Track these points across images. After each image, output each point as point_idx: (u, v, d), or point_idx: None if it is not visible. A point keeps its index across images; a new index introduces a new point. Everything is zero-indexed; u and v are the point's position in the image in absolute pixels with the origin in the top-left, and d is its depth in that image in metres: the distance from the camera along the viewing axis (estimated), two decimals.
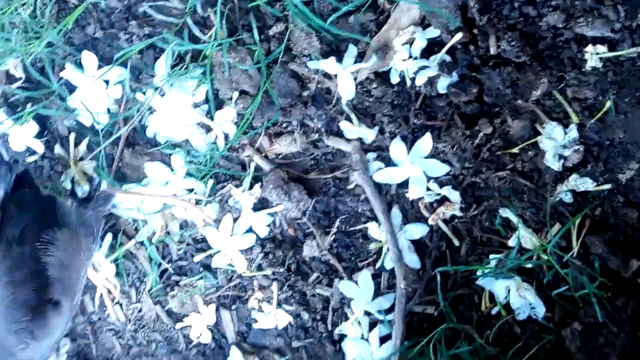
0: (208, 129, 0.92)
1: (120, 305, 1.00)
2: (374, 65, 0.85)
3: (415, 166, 0.83)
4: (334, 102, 0.88)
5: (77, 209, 0.85)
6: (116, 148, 0.95)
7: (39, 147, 0.96)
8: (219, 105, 0.92)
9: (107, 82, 0.93)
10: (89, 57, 0.93)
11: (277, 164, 0.91)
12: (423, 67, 0.83)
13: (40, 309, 0.78)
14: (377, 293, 0.88)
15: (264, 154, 0.91)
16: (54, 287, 0.79)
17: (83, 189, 0.98)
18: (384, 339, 0.87)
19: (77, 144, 0.98)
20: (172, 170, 0.93)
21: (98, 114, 0.94)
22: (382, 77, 0.87)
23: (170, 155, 0.93)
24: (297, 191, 0.88)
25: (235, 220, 0.93)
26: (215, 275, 0.95)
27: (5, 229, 0.78)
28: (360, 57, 0.86)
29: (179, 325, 0.97)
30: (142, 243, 0.97)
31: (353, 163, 0.85)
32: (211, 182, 0.92)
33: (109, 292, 1.00)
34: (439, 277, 0.83)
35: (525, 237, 0.81)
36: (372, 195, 0.83)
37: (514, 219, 0.82)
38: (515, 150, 0.82)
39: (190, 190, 0.93)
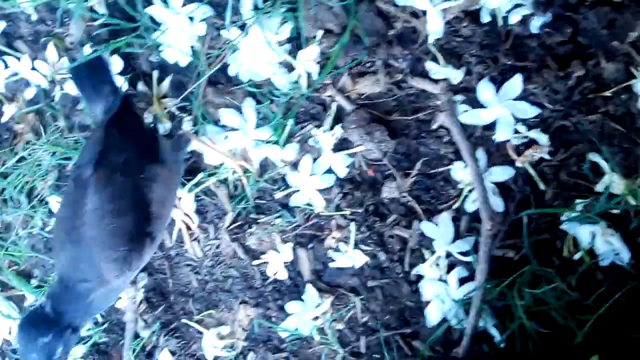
0: (290, 68, 0.91)
1: (198, 241, 1.01)
2: (464, 3, 0.83)
3: (504, 108, 0.81)
4: (420, 41, 0.86)
5: (171, 146, 0.86)
6: (199, 86, 0.95)
7: (123, 83, 0.97)
8: (302, 44, 0.91)
9: (191, 19, 0.93)
10: None
11: (359, 105, 0.90)
12: (517, 6, 0.80)
13: (139, 241, 0.80)
14: (456, 236, 0.87)
15: (346, 94, 0.90)
16: (153, 222, 0.81)
17: (165, 127, 0.98)
18: (462, 281, 0.86)
19: (160, 82, 0.99)
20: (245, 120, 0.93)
21: (182, 51, 0.93)
22: (471, 15, 0.85)
23: (253, 94, 0.92)
24: (379, 132, 0.88)
25: (314, 160, 0.92)
26: (293, 214, 0.95)
27: (108, 154, 0.79)
28: None
29: (255, 262, 0.99)
30: (221, 181, 0.98)
31: (440, 103, 0.83)
32: (291, 122, 0.91)
33: (188, 228, 1.01)
34: (525, 220, 0.81)
35: (614, 182, 0.79)
36: (459, 136, 0.82)
37: (603, 163, 0.80)
38: (608, 93, 0.80)
39: (263, 141, 0.92)
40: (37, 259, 1.11)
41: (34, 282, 1.13)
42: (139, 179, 0.80)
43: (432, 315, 0.87)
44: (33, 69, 1.04)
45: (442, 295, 0.87)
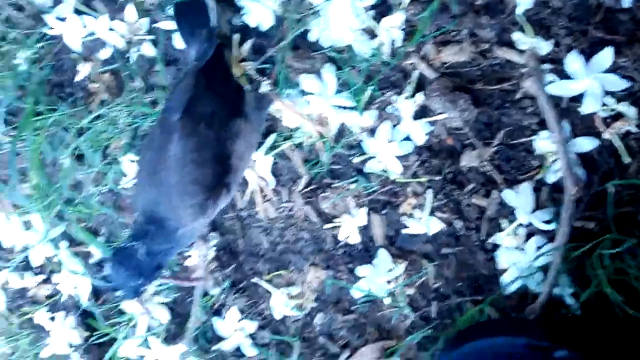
0: (373, 35, 0.91)
1: (271, 203, 1.02)
2: None
3: (593, 80, 0.81)
4: (507, 12, 0.86)
5: (255, 104, 0.87)
6: (280, 50, 0.95)
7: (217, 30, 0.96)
8: (387, 10, 0.91)
9: None
10: None
11: (442, 73, 0.90)
12: None
13: (216, 191, 0.81)
14: (536, 206, 0.87)
15: (429, 62, 0.90)
16: (231, 174, 0.82)
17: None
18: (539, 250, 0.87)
19: (240, 45, 0.99)
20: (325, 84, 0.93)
21: (264, 15, 0.94)
22: None
23: (333, 60, 0.92)
24: (463, 100, 0.88)
25: (393, 127, 0.93)
26: (369, 179, 0.96)
27: (196, 103, 0.80)
28: None
29: (327, 226, 1.00)
30: (297, 145, 0.99)
31: (527, 70, 0.83)
32: (371, 89, 0.92)
33: (261, 190, 1.02)
34: (612, 189, 0.82)
35: None
36: (546, 103, 0.82)
37: None
38: None
39: (341, 107, 0.93)
40: (105, 217, 1.13)
41: (101, 239, 1.15)
42: (222, 131, 0.80)
43: (508, 281, 0.87)
44: (110, 29, 1.04)
45: (519, 264, 0.87)
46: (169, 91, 0.94)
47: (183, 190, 0.80)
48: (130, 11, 1.03)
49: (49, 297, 1.22)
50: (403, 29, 0.90)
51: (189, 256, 1.07)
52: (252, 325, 1.06)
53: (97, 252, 1.15)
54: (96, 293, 1.17)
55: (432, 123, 0.91)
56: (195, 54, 0.86)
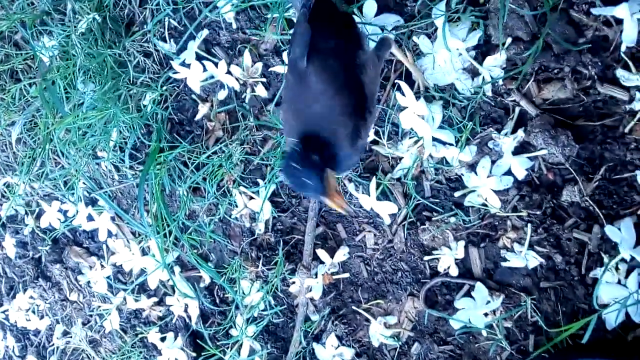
0: (475, 74, 0.91)
1: (373, 234, 1.02)
2: None
3: None
4: (611, 49, 0.83)
5: (375, 47, 0.85)
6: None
7: None
8: (488, 51, 0.90)
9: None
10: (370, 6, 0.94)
11: (544, 110, 0.88)
12: None
13: (362, 115, 0.80)
14: (638, 241, 0.83)
15: (531, 100, 0.89)
16: (369, 99, 0.81)
17: None
18: None
19: None
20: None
21: None
22: None
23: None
24: (565, 137, 0.85)
25: (493, 162, 0.91)
26: (467, 213, 0.94)
27: (317, 43, 0.78)
28: None
29: (426, 258, 0.98)
30: (397, 179, 0.98)
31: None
32: (471, 125, 0.91)
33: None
34: None
35: None
36: None
37: None
38: None
39: (442, 142, 0.92)
40: (215, 244, 1.16)
41: (210, 265, 1.17)
42: (350, 61, 0.79)
43: (611, 317, 0.82)
44: (228, 72, 1.09)
45: (620, 299, 0.82)
46: (289, 41, 0.93)
47: (335, 123, 0.79)
48: (247, 56, 1.07)
49: (160, 318, 1.25)
50: (504, 68, 0.89)
51: (293, 283, 1.08)
52: (349, 352, 1.05)
53: (206, 277, 1.18)
54: (204, 315, 1.19)
55: (533, 158, 0.89)
56: (301, 1, 0.86)
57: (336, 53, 0.78)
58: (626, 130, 0.83)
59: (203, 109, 1.12)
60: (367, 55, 0.80)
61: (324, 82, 0.76)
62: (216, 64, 1.08)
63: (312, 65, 0.76)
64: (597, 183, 0.85)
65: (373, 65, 0.80)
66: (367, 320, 1.02)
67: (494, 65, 0.89)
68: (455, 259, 0.95)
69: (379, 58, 0.81)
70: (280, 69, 1.03)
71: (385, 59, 0.85)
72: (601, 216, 0.85)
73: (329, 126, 0.76)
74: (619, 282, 0.84)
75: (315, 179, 0.72)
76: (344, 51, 0.78)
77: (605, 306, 0.84)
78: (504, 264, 0.91)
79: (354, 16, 0.91)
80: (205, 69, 1.10)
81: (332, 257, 1.03)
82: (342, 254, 1.02)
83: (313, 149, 0.74)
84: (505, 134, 0.89)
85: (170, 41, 1.10)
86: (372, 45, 0.87)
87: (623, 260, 0.83)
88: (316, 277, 1.04)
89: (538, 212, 0.89)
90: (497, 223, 0.92)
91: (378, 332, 1.01)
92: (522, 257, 0.90)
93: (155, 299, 1.24)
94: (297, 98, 0.79)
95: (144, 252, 1.22)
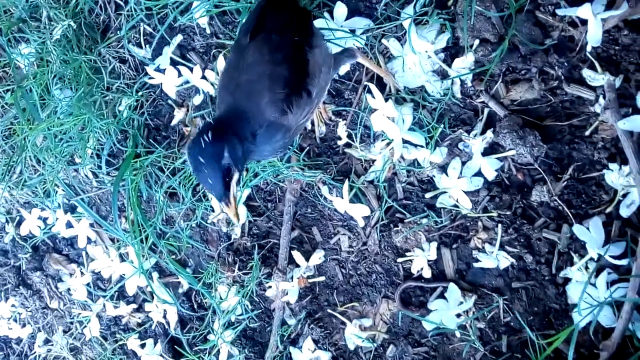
0: (444, 76, 0.90)
1: (348, 237, 1.01)
2: (625, 12, 0.79)
3: None
4: (577, 50, 0.83)
5: (335, 57, 0.84)
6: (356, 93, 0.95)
7: None
8: (456, 53, 0.89)
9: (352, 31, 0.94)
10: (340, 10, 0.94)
11: (512, 111, 0.87)
12: None
13: (297, 89, 0.77)
14: (607, 240, 0.82)
15: (499, 101, 0.88)
16: (310, 79, 0.78)
17: (321, 130, 0.99)
18: (610, 285, 0.81)
19: None
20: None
21: None
22: (632, 25, 0.80)
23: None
24: (533, 137, 0.85)
25: (463, 163, 0.90)
26: (439, 214, 0.93)
27: (265, 22, 0.77)
28: (609, 5, 0.81)
29: (400, 260, 0.97)
30: (370, 182, 0.98)
31: (605, 102, 0.79)
32: (441, 127, 0.90)
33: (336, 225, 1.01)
34: None
35: None
36: (624, 135, 0.78)
37: None
38: None
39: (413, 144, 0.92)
40: (193, 249, 1.14)
41: (188, 270, 1.16)
42: (295, 37, 0.77)
43: (580, 318, 0.82)
44: (203, 77, 1.08)
45: (589, 298, 0.81)
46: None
47: (264, 88, 0.76)
48: (221, 61, 1.06)
49: (140, 324, 1.24)
50: (471, 69, 0.88)
51: (269, 287, 1.06)
52: (326, 356, 1.04)
53: (185, 283, 1.16)
54: (183, 321, 1.18)
55: (502, 159, 0.88)
56: None
57: (284, 29, 0.76)
58: (592, 129, 0.82)
59: (179, 114, 1.11)
60: (319, 45, 0.78)
61: (260, 52, 0.74)
62: (191, 69, 1.07)
63: (254, 41, 0.74)
64: (565, 183, 0.85)
65: (325, 55, 0.78)
66: (343, 323, 1.01)
67: (462, 67, 0.88)
68: (428, 261, 0.94)
69: (335, 59, 0.80)
70: None
71: (342, 64, 0.85)
72: (570, 215, 0.84)
73: (253, 96, 0.73)
74: (589, 282, 0.82)
75: (217, 180, 0.68)
76: (293, 29, 0.77)
77: (576, 306, 0.83)
78: (476, 264, 0.91)
79: (315, 18, 0.90)
80: (180, 74, 1.08)
81: (307, 260, 1.02)
82: (318, 257, 1.01)
83: (226, 136, 0.69)
84: (475, 135, 0.88)
85: (145, 47, 1.09)
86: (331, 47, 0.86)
87: (592, 259, 0.82)
88: (292, 280, 1.02)
89: (508, 213, 0.88)
90: (468, 224, 0.91)
91: (354, 335, 1.00)
92: (494, 258, 0.89)
93: (134, 306, 1.22)
94: (232, 71, 0.77)
95: (123, 259, 1.20)
